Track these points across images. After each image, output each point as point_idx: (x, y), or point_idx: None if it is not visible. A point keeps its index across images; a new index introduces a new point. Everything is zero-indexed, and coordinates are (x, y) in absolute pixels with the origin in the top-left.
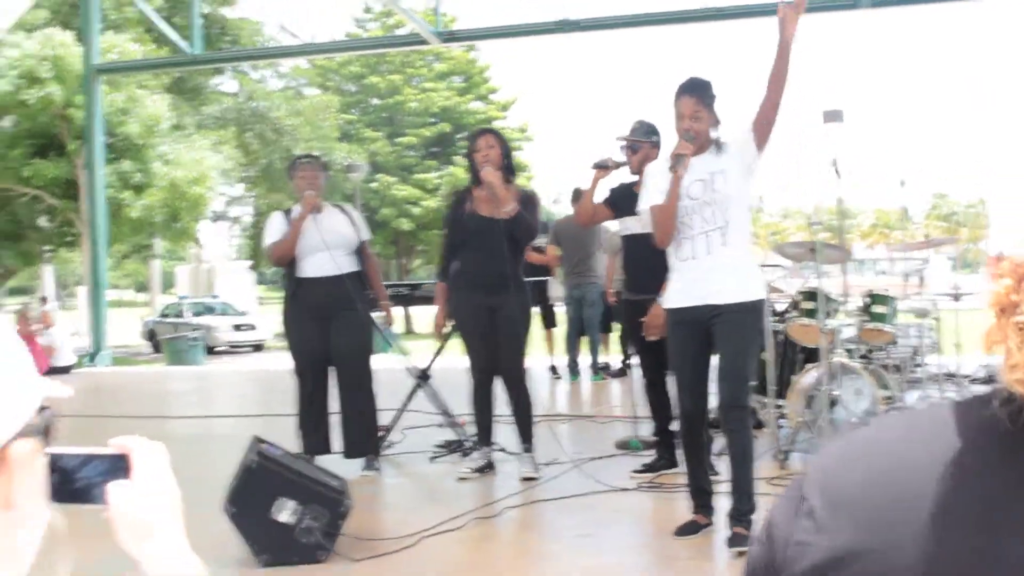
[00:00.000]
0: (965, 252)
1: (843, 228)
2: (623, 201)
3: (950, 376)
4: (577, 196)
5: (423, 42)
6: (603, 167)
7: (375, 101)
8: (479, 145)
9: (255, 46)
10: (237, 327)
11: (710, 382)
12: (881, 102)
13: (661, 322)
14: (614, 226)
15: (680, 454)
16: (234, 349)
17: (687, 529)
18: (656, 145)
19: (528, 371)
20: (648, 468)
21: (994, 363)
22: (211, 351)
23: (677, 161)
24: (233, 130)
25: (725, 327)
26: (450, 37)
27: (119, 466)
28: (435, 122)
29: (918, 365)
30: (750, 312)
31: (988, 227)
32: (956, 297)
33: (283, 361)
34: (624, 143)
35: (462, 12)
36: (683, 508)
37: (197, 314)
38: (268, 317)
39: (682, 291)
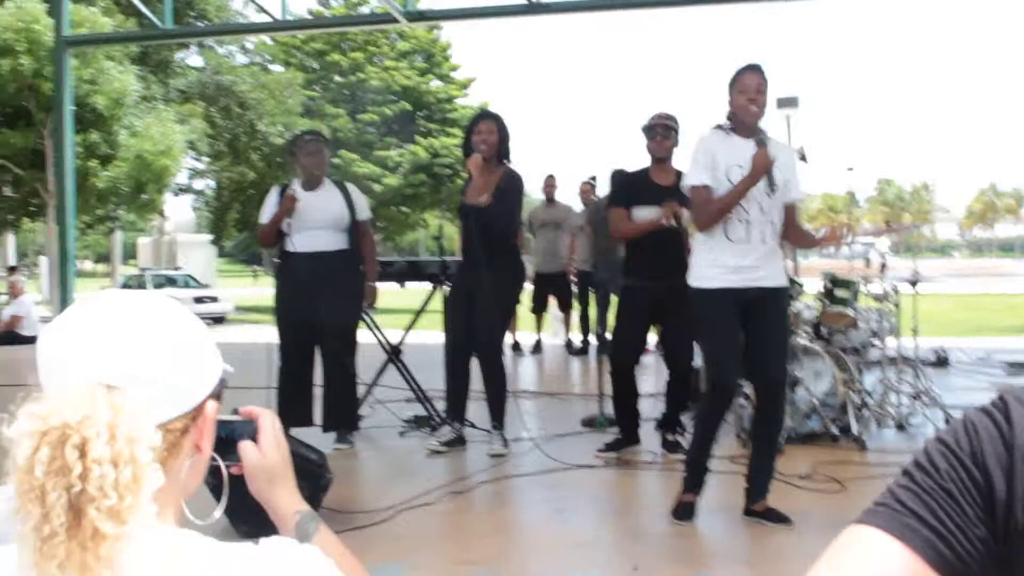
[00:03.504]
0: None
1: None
2: (632, 190)
3: (906, 359)
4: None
5: (392, 20)
6: None
7: (337, 78)
8: (480, 128)
9: (222, 21)
10: (198, 299)
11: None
12: (833, 89)
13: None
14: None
15: (688, 428)
16: None
17: (685, 512)
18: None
19: (504, 349)
20: (610, 447)
21: (945, 345)
22: None
23: (765, 155)
24: (199, 103)
25: (772, 309)
26: (418, 16)
27: (248, 430)
28: (396, 100)
29: (876, 347)
30: (787, 297)
31: (931, 211)
32: (914, 283)
33: (249, 334)
34: (657, 126)
35: None
36: (649, 484)
37: (158, 286)
38: (229, 290)
39: (732, 271)
